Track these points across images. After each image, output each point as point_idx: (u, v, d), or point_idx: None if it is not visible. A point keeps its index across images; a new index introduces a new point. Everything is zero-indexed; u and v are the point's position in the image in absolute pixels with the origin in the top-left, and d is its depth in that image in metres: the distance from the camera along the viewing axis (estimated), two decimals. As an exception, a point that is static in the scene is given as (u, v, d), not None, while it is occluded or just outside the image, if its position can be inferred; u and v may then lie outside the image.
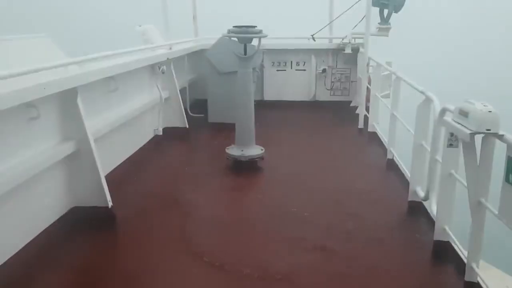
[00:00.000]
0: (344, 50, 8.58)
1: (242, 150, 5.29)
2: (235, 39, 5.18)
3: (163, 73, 6.29)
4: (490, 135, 2.61)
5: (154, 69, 6.23)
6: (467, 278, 2.94)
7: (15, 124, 3.26)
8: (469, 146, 2.79)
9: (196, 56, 8.31)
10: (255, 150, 5.35)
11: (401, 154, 5.53)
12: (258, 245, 3.62)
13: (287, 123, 7.74)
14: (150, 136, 6.29)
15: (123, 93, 5.15)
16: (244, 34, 5.04)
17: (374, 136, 6.69)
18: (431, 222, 3.70)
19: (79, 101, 3.77)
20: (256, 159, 5.32)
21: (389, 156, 5.57)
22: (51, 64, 3.57)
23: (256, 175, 5.21)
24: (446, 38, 41.07)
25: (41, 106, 3.43)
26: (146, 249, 3.56)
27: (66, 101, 3.75)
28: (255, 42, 5.21)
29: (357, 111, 7.55)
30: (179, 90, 6.85)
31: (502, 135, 2.52)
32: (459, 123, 2.80)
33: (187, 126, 6.82)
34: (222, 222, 4.03)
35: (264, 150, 5.35)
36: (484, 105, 2.61)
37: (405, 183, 4.62)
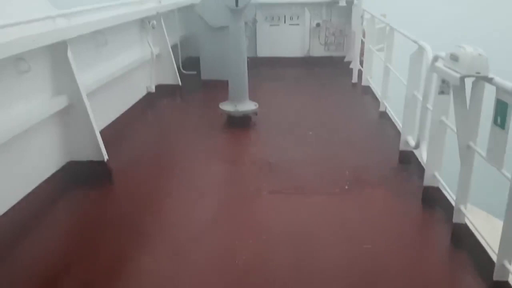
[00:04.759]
0: (338, 3, 8.42)
1: (235, 106, 5.29)
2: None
3: (153, 28, 6.18)
4: (480, 79, 2.63)
5: (144, 24, 6.12)
6: (455, 220, 3.03)
7: (5, 78, 3.23)
8: (459, 91, 2.82)
9: (187, 12, 8.14)
10: (249, 106, 5.35)
11: (393, 109, 5.55)
12: (251, 197, 3.70)
13: (281, 79, 7.71)
14: (143, 93, 6.25)
15: (113, 48, 5.08)
16: (235, -15, 4.93)
17: (368, 90, 6.70)
18: (421, 169, 3.77)
19: (70, 54, 3.72)
20: (250, 115, 5.33)
21: (381, 109, 5.60)
22: (39, 16, 3.50)
23: (250, 130, 5.24)
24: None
25: (31, 60, 3.39)
26: (143, 200, 3.64)
27: (56, 54, 3.71)
28: (247, -7, 5.10)
29: (351, 66, 7.51)
30: (171, 47, 6.76)
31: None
32: (450, 68, 2.81)
33: (180, 84, 6.78)
34: (216, 174, 4.10)
35: (257, 105, 5.36)
36: (474, 49, 2.62)
37: (397, 133, 4.67)
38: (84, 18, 4.21)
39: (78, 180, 3.86)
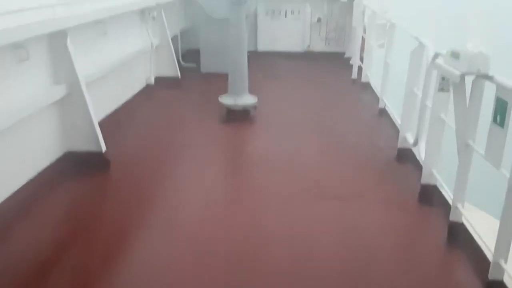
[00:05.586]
0: None
1: (235, 99, 5.27)
2: (228, -18, 5.04)
3: (153, 19, 6.15)
4: (480, 77, 2.62)
5: (144, 14, 6.08)
6: (452, 218, 3.03)
7: (4, 65, 3.21)
8: (459, 89, 2.81)
9: (188, 3, 8.11)
10: (248, 99, 5.33)
11: (393, 106, 5.54)
12: (248, 192, 3.69)
13: (281, 73, 7.68)
14: (142, 85, 6.23)
15: (113, 38, 5.05)
16: (237, -22, 4.91)
17: (367, 86, 6.69)
18: (419, 167, 3.76)
19: (69, 43, 3.70)
20: (249, 109, 5.31)
21: (381, 106, 5.59)
22: (38, 3, 3.47)
23: (249, 124, 5.22)
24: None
25: (30, 48, 3.37)
26: (140, 192, 3.63)
27: (56, 43, 3.68)
28: (248, -14, 5.08)
29: (351, 62, 7.50)
30: (171, 39, 6.72)
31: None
32: (450, 65, 2.80)
33: (179, 76, 6.75)
34: (214, 168, 4.10)
35: (257, 99, 5.34)
36: (476, 46, 2.61)
37: (395, 130, 4.67)
38: (84, 7, 4.18)
39: (75, 171, 3.84)
